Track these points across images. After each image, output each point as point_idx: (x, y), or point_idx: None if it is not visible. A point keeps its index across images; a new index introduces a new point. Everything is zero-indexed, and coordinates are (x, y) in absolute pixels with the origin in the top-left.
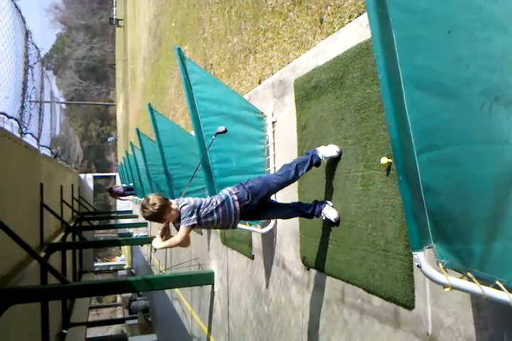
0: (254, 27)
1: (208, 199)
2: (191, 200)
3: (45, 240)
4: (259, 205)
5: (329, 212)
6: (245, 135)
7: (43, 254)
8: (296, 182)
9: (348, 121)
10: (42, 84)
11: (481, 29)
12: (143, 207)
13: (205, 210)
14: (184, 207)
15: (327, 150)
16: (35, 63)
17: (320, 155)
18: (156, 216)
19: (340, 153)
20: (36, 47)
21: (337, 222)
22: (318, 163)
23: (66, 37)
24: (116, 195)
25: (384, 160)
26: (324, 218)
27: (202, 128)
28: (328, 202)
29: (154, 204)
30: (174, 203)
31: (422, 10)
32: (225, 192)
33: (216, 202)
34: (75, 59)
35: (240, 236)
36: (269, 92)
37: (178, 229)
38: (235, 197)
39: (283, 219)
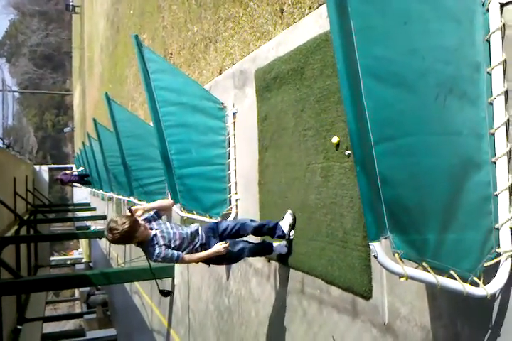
0: (214, 16)
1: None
2: (162, 233)
3: None
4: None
5: (283, 225)
6: (205, 126)
7: None
8: (256, 174)
9: (308, 113)
10: None
11: (435, 21)
12: (111, 230)
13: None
14: (160, 237)
15: (285, 222)
16: None
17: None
18: (129, 234)
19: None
20: None
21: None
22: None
23: (20, 23)
24: (69, 182)
25: (335, 139)
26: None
27: (161, 119)
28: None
29: (124, 223)
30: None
31: (380, 0)
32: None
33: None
34: (30, 46)
35: None
36: (230, 83)
37: (145, 252)
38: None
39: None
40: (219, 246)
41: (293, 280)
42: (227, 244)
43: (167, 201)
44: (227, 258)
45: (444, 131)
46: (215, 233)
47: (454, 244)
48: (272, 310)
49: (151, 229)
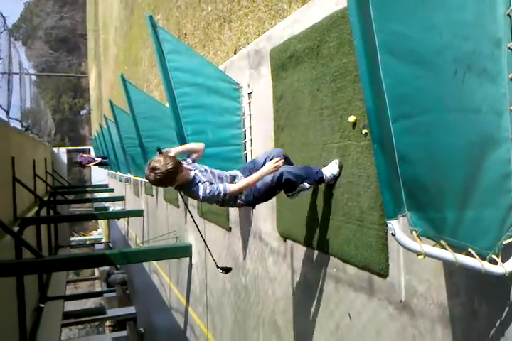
0: None
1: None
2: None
3: (19, 214)
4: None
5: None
6: (221, 106)
7: (16, 229)
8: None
9: (325, 92)
10: (10, 55)
11: None
12: (154, 169)
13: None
14: (200, 175)
15: (329, 169)
16: (1, 32)
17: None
18: (171, 176)
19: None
20: (2, 15)
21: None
22: (321, 181)
23: (35, 6)
24: (89, 163)
25: (352, 118)
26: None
27: (176, 100)
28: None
29: (167, 163)
30: (184, 163)
31: None
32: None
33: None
34: (45, 29)
35: (216, 208)
36: (245, 63)
37: (189, 194)
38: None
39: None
40: (270, 164)
41: (309, 259)
42: (280, 161)
43: (198, 144)
44: (280, 185)
45: (462, 108)
46: (251, 171)
47: (472, 222)
48: (289, 289)
49: (190, 170)
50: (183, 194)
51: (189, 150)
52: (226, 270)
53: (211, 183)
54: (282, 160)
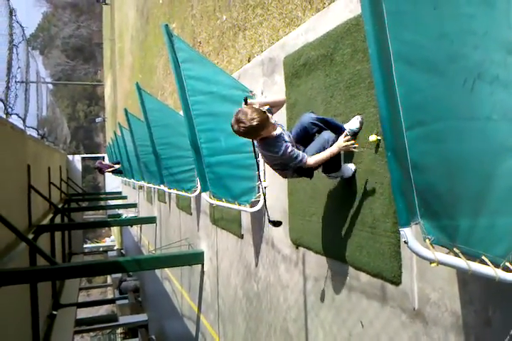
0: (243, 3)
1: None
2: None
3: (34, 222)
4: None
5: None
6: None
7: (31, 236)
8: None
9: (338, 99)
10: (27, 64)
11: (466, 5)
12: (238, 121)
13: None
14: (285, 135)
15: (352, 124)
16: (20, 42)
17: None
18: (255, 130)
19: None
20: (21, 25)
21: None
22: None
23: (52, 16)
24: (107, 169)
25: (373, 137)
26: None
27: (191, 108)
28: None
29: (253, 119)
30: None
31: None
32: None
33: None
34: (62, 38)
35: (229, 215)
36: (259, 70)
37: (267, 148)
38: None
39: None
40: (341, 142)
41: (321, 266)
42: (349, 137)
43: (281, 97)
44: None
45: (472, 117)
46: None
47: (486, 230)
48: (301, 296)
49: (276, 126)
50: (256, 146)
51: (273, 103)
52: (276, 223)
53: (292, 145)
54: (349, 137)
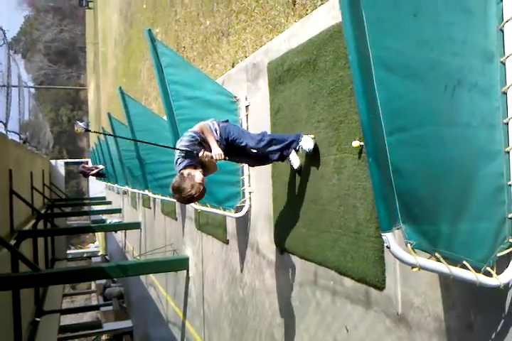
0: (226, 9)
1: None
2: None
3: (16, 227)
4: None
5: (306, 143)
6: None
7: (13, 242)
8: (269, 167)
9: (321, 105)
10: (9, 68)
11: (445, 13)
12: (176, 192)
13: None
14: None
15: (307, 143)
16: (1, 46)
17: (301, 144)
18: (193, 199)
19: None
20: (1, 28)
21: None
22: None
23: (34, 19)
24: (90, 174)
25: (356, 143)
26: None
27: (174, 113)
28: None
29: (190, 193)
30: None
31: None
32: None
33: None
34: (44, 42)
35: (214, 221)
36: (243, 76)
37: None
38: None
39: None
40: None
41: (306, 271)
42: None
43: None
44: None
45: (452, 122)
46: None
47: (466, 235)
48: (286, 301)
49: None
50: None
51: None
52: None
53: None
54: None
